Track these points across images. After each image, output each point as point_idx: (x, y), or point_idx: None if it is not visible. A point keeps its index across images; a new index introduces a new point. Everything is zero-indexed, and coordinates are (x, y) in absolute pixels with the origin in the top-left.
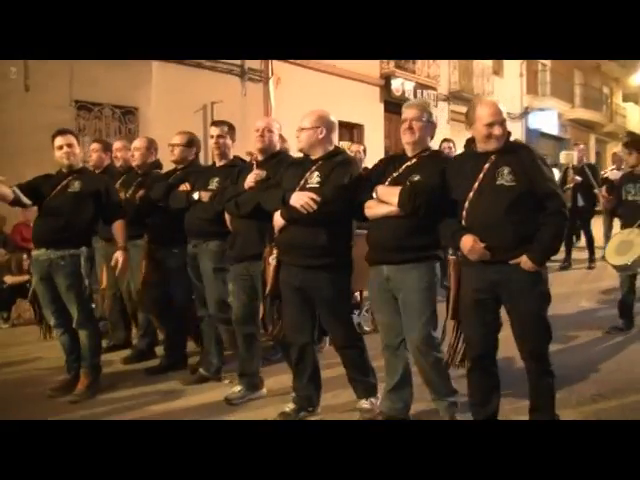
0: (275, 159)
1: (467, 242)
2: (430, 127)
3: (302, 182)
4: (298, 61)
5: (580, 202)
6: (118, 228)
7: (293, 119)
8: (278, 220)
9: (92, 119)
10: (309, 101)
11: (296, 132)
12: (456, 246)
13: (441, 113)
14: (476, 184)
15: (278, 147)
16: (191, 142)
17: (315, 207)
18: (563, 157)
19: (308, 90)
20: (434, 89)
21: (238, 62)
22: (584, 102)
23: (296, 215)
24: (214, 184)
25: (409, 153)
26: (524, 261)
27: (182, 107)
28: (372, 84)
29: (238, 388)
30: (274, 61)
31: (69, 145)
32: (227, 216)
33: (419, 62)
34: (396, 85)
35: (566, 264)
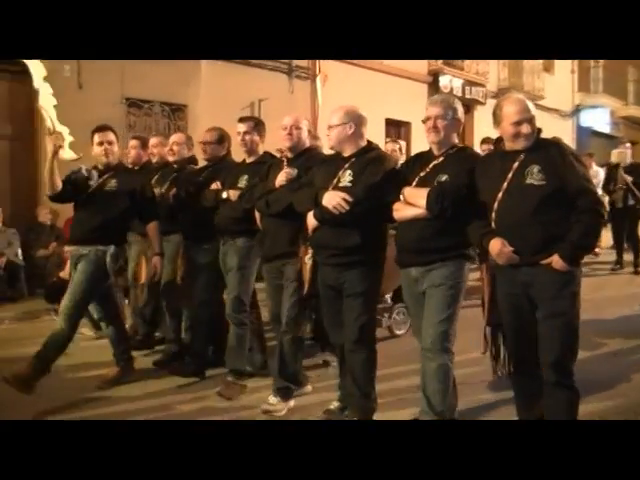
0: (305, 156)
1: (495, 246)
2: (455, 124)
3: (335, 181)
4: None
5: (630, 201)
6: (152, 230)
7: None
8: (311, 220)
9: (142, 116)
10: (356, 98)
11: (326, 131)
12: (485, 250)
13: (490, 110)
14: (505, 184)
15: (308, 144)
16: (221, 138)
17: (347, 208)
18: (615, 156)
19: (355, 87)
20: (483, 86)
21: (285, 59)
22: (638, 99)
23: (328, 215)
24: (243, 182)
25: (435, 152)
26: (555, 260)
27: (230, 104)
28: (420, 81)
29: None
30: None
31: (109, 142)
32: (257, 214)
33: None
34: (444, 82)
35: (617, 266)
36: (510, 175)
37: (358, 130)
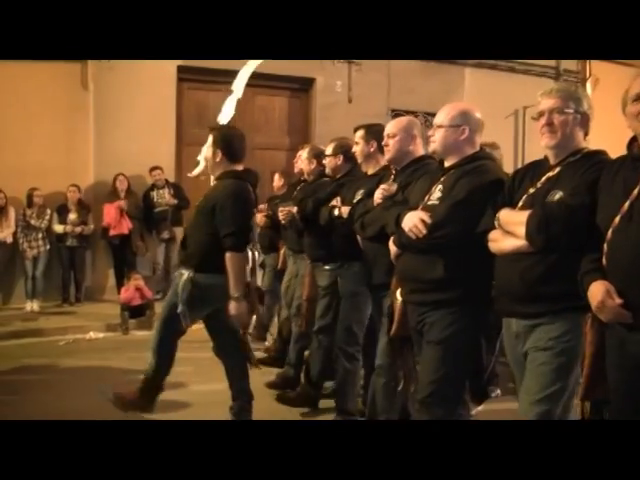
0: (411, 168)
1: (596, 292)
2: (581, 120)
3: (426, 197)
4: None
5: None
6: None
7: (612, 121)
8: (392, 246)
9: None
10: None
11: (430, 131)
12: (585, 294)
13: None
14: (626, 204)
15: (419, 152)
16: (339, 150)
17: (424, 231)
18: None
19: None
20: None
21: (553, 64)
22: None
23: (405, 240)
24: (359, 197)
25: (551, 160)
26: None
27: (493, 112)
28: None
29: None
30: (593, 61)
31: None
32: (358, 237)
33: None
34: None
35: None
36: (636, 192)
37: (471, 136)
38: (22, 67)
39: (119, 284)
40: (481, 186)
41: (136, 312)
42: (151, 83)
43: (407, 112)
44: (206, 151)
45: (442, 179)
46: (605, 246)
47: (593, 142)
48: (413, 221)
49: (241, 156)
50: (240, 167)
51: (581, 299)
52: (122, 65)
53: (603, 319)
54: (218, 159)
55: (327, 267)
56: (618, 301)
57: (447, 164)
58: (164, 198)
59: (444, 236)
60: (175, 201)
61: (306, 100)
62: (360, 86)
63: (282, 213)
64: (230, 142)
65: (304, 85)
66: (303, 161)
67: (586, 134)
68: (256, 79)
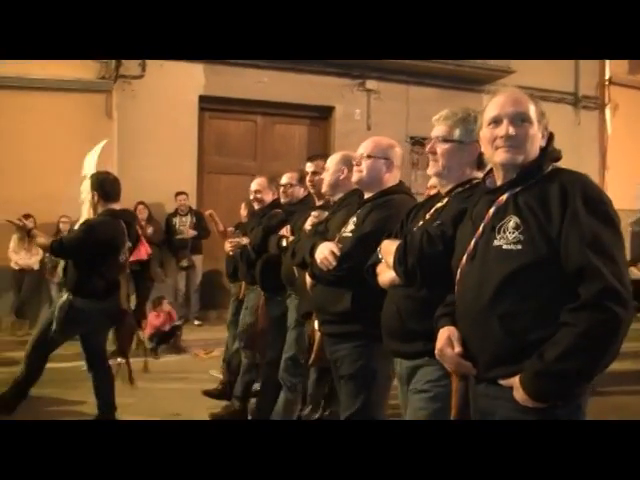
0: (341, 199)
1: (438, 339)
2: (467, 150)
3: (342, 229)
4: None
5: None
6: None
7: (632, 147)
8: (307, 277)
9: (425, 154)
10: None
11: (355, 161)
12: None
13: None
14: (472, 242)
15: (350, 186)
16: (302, 179)
17: (334, 263)
18: None
19: None
20: None
21: (571, 90)
22: None
23: (317, 272)
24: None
25: (441, 190)
26: (515, 387)
27: None
28: None
29: None
30: (612, 86)
31: None
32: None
33: None
34: None
35: None
36: (480, 229)
37: (395, 171)
38: (47, 97)
39: (140, 310)
40: (385, 220)
41: (165, 337)
42: (173, 112)
43: (425, 139)
44: (85, 194)
45: (358, 212)
46: (456, 288)
47: (613, 168)
48: (324, 253)
49: (114, 196)
50: (116, 206)
51: None
52: (145, 94)
53: (447, 367)
54: (96, 200)
55: (280, 298)
56: (457, 350)
57: (366, 196)
58: (185, 225)
59: (350, 268)
60: (194, 232)
61: (325, 128)
62: (379, 114)
63: (230, 244)
64: (103, 185)
65: (323, 113)
66: (293, 188)
67: (481, 164)
68: (276, 108)
